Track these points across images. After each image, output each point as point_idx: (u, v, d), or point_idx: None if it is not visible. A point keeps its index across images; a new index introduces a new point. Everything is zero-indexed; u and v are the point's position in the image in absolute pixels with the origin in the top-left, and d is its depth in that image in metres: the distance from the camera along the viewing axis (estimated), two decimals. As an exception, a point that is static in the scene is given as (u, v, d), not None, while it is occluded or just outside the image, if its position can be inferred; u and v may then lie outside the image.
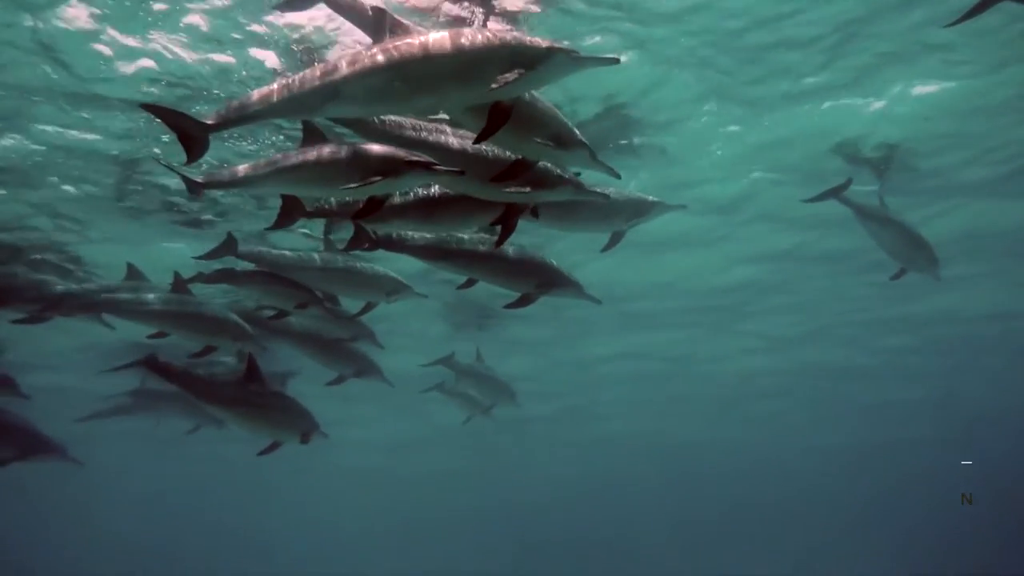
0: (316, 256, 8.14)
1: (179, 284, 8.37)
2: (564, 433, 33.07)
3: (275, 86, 4.72)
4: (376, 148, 5.08)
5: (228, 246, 7.76)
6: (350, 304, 9.00)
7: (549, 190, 5.49)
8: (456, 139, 5.39)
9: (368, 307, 8.47)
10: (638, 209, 7.31)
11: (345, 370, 10.15)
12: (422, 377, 14.28)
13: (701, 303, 18.01)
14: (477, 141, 4.77)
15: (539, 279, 6.56)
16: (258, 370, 7.82)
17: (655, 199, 7.52)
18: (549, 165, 5.45)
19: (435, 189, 5.91)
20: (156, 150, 9.59)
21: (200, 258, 8.20)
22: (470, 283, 6.78)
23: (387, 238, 6.32)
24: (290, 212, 5.82)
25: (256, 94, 4.77)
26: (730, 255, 15.26)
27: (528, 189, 5.34)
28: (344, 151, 5.13)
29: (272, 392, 8.01)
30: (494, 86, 4.31)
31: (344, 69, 4.50)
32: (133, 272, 8.73)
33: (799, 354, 23.03)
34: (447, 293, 13.84)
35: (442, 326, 18.22)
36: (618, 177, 5.60)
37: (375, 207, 5.43)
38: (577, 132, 5.24)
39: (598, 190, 5.95)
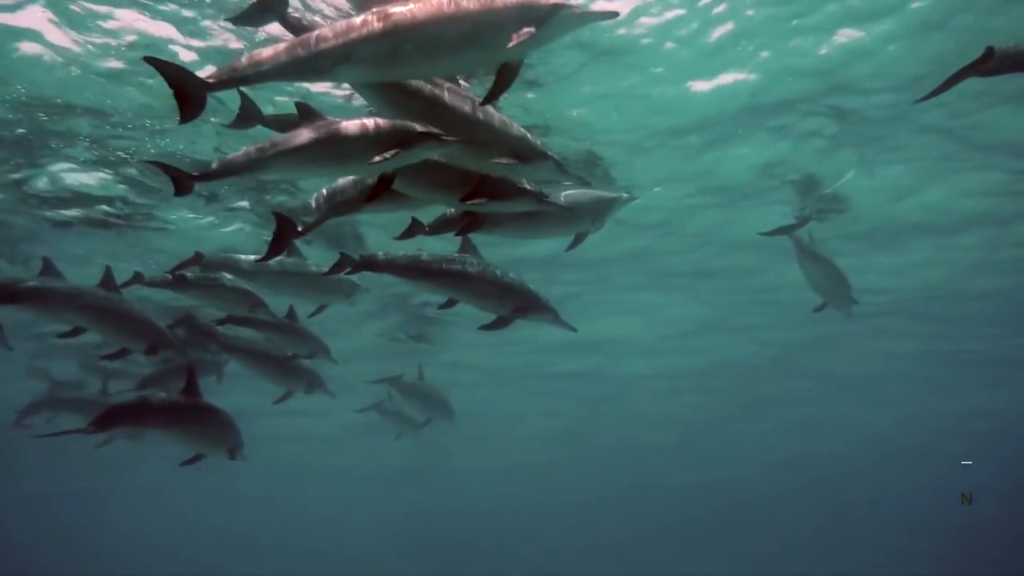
0: (277, 261, 7.80)
1: (109, 280, 7.81)
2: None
3: (283, 46, 4.51)
4: (385, 121, 4.83)
5: (195, 260, 7.69)
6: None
7: (508, 201, 5.56)
8: None
9: (321, 309, 8.69)
10: (600, 208, 7.24)
11: (296, 386, 9.93)
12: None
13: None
14: (485, 102, 4.77)
15: (517, 303, 6.59)
16: (197, 385, 7.48)
17: (614, 195, 7.51)
18: (509, 177, 5.48)
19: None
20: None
21: (171, 272, 8.03)
22: (450, 303, 6.75)
23: (370, 259, 6.22)
24: (284, 235, 5.54)
25: (262, 53, 4.51)
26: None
27: (486, 200, 5.41)
28: (361, 125, 4.83)
29: (208, 407, 7.69)
30: (510, 45, 4.34)
31: (358, 31, 4.37)
32: (48, 266, 7.94)
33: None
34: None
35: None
36: (589, 185, 5.79)
37: (387, 185, 5.11)
38: (539, 144, 5.30)
39: (559, 197, 6.02)
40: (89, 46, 7.91)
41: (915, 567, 40.53)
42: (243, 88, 4.99)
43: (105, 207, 11.34)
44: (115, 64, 8.17)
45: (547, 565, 55.24)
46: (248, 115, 5.53)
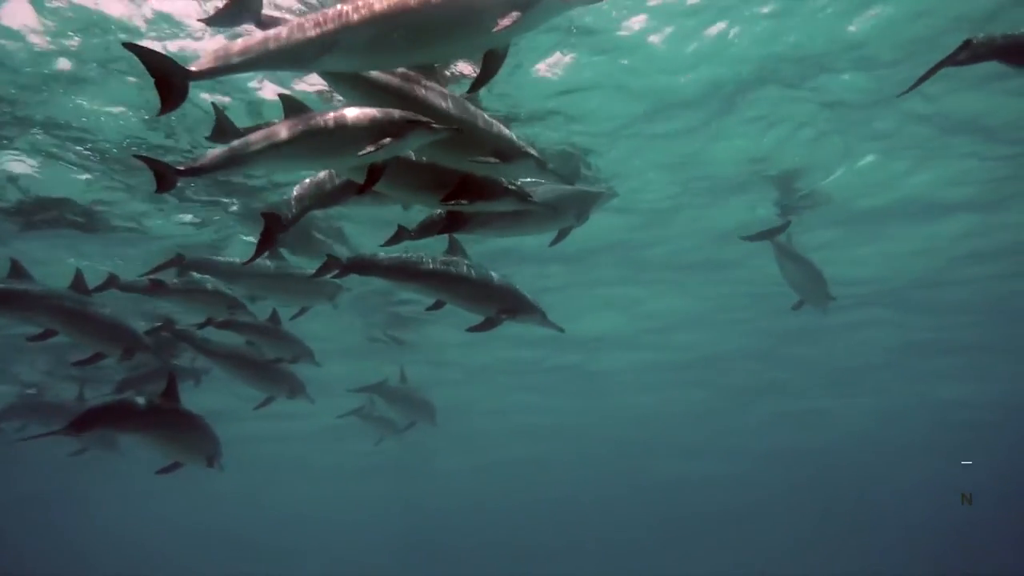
0: (261, 264, 7.83)
1: (79, 283, 7.70)
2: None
3: (268, 34, 4.44)
4: (374, 109, 4.71)
5: (176, 262, 7.74)
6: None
7: (491, 201, 5.54)
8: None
9: (303, 311, 8.70)
10: (584, 203, 7.21)
11: (277, 392, 9.86)
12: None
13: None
14: (471, 91, 4.79)
15: (504, 304, 6.58)
16: (177, 390, 7.45)
17: (598, 190, 7.53)
18: (491, 176, 5.46)
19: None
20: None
21: (147, 274, 8.04)
22: (438, 305, 6.70)
23: (358, 261, 6.24)
24: (272, 233, 5.39)
25: (245, 42, 4.45)
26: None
27: (469, 200, 5.40)
28: (350, 115, 4.70)
29: (186, 413, 7.69)
30: (495, 29, 4.30)
31: (343, 18, 4.32)
32: (17, 268, 7.77)
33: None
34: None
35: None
36: (571, 184, 5.80)
37: (378, 176, 4.95)
38: (520, 143, 5.30)
39: (542, 193, 6.05)
40: (48, 36, 7.64)
41: (912, 565, 40.70)
42: (229, 86, 4.92)
43: (70, 213, 11.13)
44: (75, 57, 7.94)
45: (535, 562, 55.27)
46: (224, 130, 5.48)
